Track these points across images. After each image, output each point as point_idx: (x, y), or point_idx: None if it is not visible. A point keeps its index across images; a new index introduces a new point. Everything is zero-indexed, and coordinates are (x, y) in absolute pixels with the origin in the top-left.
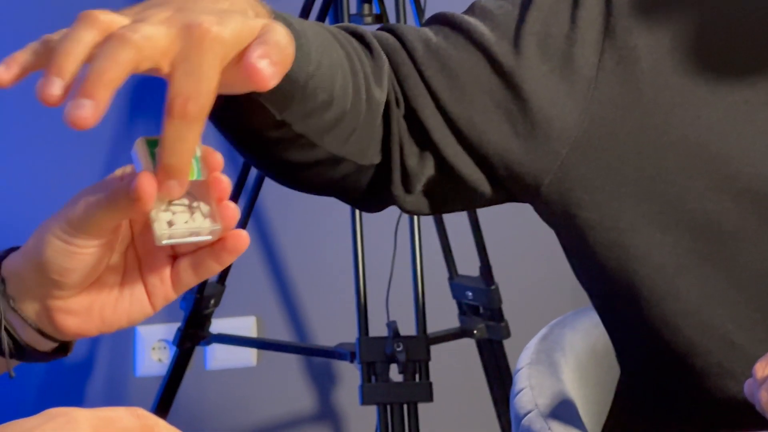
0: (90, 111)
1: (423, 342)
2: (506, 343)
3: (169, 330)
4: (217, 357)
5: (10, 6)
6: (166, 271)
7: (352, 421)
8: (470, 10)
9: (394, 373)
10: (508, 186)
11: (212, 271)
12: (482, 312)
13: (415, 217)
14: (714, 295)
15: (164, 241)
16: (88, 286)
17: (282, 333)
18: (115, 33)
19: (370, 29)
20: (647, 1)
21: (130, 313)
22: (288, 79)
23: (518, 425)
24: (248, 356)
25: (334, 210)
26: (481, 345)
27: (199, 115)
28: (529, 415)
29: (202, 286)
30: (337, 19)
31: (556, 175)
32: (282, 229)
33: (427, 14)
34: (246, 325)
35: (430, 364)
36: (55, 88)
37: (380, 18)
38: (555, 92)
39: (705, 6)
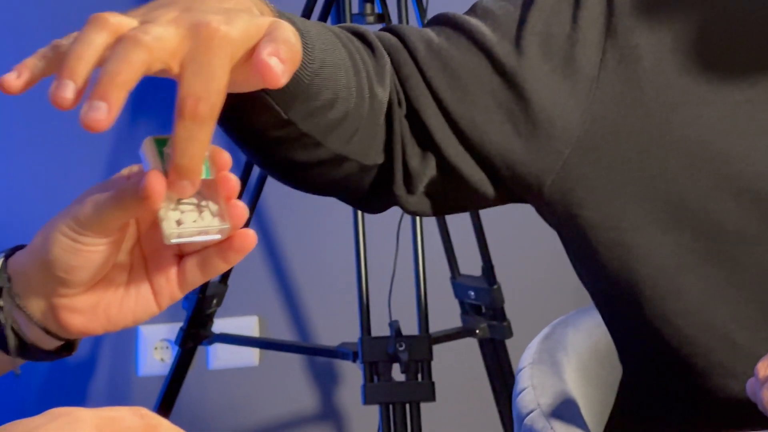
0: (104, 113)
1: (425, 341)
2: (508, 342)
3: (171, 330)
4: (220, 357)
5: (10, 6)
6: (173, 270)
7: (355, 421)
8: (472, 11)
9: (397, 373)
10: (511, 186)
11: (219, 270)
12: (484, 311)
13: (417, 217)
14: (716, 295)
15: (173, 240)
16: (94, 285)
17: (284, 333)
18: (126, 35)
19: (372, 29)
20: (649, 0)
21: (136, 311)
22: (293, 78)
23: (520, 425)
24: (250, 356)
25: (337, 209)
26: (483, 344)
27: (210, 115)
28: (531, 414)
29: (205, 285)
30: (339, 18)
31: (559, 175)
32: (284, 229)
33: (430, 14)
34: (248, 325)
35: (433, 363)
36: (68, 91)
37: (382, 17)
38: (557, 92)
39: (707, 5)
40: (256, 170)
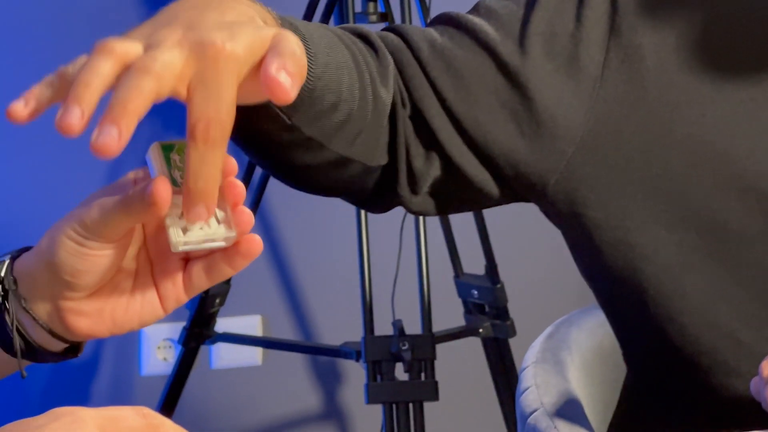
0: (115, 139)
1: (428, 340)
2: (512, 341)
3: (174, 329)
4: (223, 356)
5: (9, 6)
6: (179, 274)
7: (358, 420)
8: (475, 10)
9: (400, 372)
10: (515, 186)
11: (225, 274)
12: (488, 310)
13: (421, 216)
14: (720, 293)
15: (180, 248)
16: (100, 288)
17: (287, 332)
18: (135, 65)
19: (374, 28)
20: None
21: (142, 315)
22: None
23: (524, 424)
24: (253, 355)
25: (340, 209)
26: (486, 343)
27: (222, 138)
28: (534, 413)
29: None
30: (342, 17)
31: (563, 174)
32: (287, 228)
33: (432, 12)
34: (251, 324)
35: (436, 362)
36: (75, 117)
37: (385, 16)
38: (560, 91)
39: (710, 4)
40: (259, 169)
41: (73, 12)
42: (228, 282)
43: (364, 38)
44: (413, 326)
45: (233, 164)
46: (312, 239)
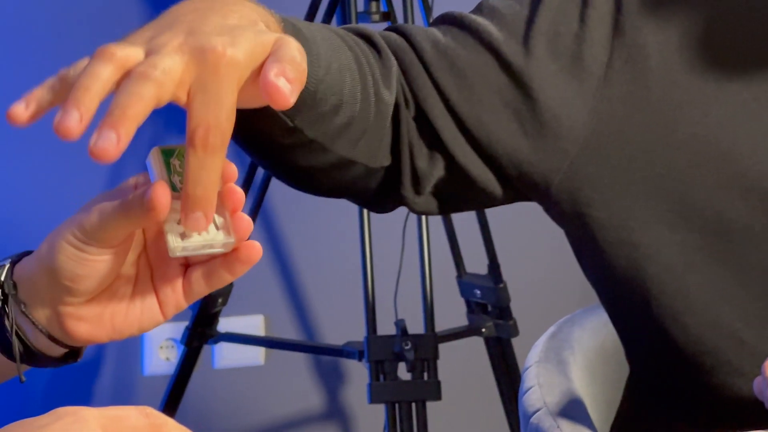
0: (114, 143)
1: (431, 340)
2: (514, 341)
3: (176, 329)
4: (225, 356)
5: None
6: (178, 280)
7: (361, 420)
8: (478, 10)
9: (403, 372)
10: (518, 186)
11: (224, 280)
12: (490, 310)
13: (423, 216)
14: (723, 293)
15: (178, 253)
16: (99, 293)
17: (290, 331)
18: (136, 70)
19: (377, 27)
20: None
21: (141, 320)
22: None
23: (527, 423)
24: (256, 355)
25: (342, 208)
26: (489, 343)
27: (221, 145)
28: (537, 413)
29: None
30: (344, 16)
31: (566, 174)
32: (290, 228)
33: (435, 11)
34: (254, 324)
35: (439, 362)
36: (74, 121)
37: (388, 16)
38: (564, 91)
39: (713, 3)
40: (261, 169)
41: (73, 12)
42: (231, 282)
43: (367, 39)
44: (416, 326)
45: (233, 170)
46: (315, 239)
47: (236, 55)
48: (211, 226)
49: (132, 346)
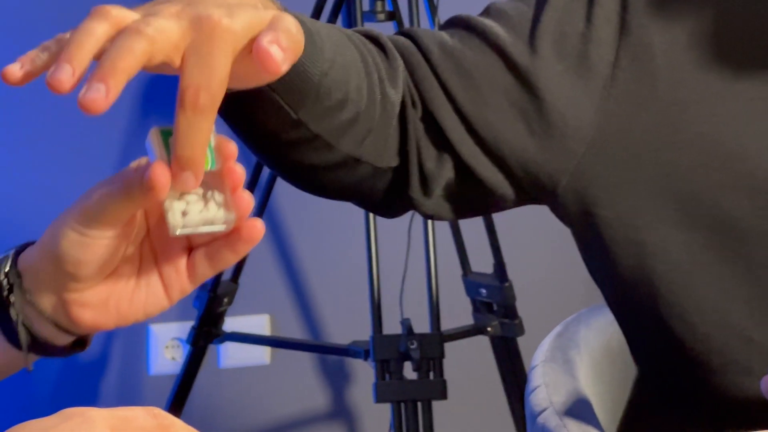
0: (103, 95)
1: (437, 339)
2: (520, 340)
3: (182, 328)
4: (231, 355)
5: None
6: (182, 263)
7: (366, 419)
8: (486, 12)
9: (408, 371)
10: (525, 187)
11: (228, 261)
12: (496, 309)
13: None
14: (731, 292)
15: (178, 231)
16: (104, 279)
17: (295, 331)
18: (129, 26)
19: (382, 27)
20: None
21: (147, 305)
22: (302, 77)
23: (533, 423)
24: (261, 354)
25: (348, 208)
26: (494, 342)
27: (211, 106)
28: (544, 412)
29: (216, 284)
30: (349, 16)
31: (573, 174)
32: (295, 227)
33: (440, 11)
34: (259, 323)
35: (444, 361)
36: (65, 74)
37: (393, 15)
38: (571, 91)
39: (720, 2)
40: (266, 169)
41: (76, 13)
42: (236, 281)
43: (374, 39)
44: (422, 325)
45: (233, 148)
46: (320, 238)
47: (232, 24)
48: (212, 204)
49: (138, 346)
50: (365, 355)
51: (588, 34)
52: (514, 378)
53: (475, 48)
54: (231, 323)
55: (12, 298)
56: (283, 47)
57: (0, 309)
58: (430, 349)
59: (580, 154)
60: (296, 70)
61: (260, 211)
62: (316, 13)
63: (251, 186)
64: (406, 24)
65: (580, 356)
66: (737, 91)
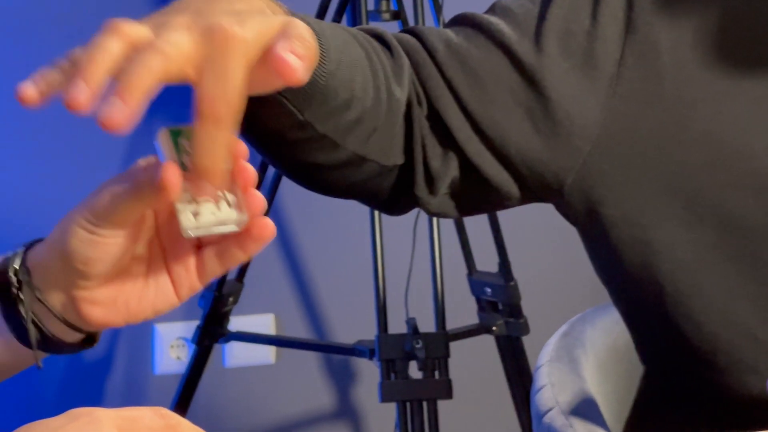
0: (122, 112)
1: (442, 339)
2: (525, 339)
3: (187, 328)
4: (236, 355)
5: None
6: (191, 261)
7: (372, 419)
8: (491, 10)
9: (414, 370)
10: (531, 185)
11: (238, 259)
12: (501, 308)
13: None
14: (737, 291)
15: (190, 233)
16: (113, 277)
17: (300, 330)
18: (144, 43)
19: (387, 26)
20: None
21: (156, 303)
22: (309, 79)
23: (539, 422)
24: (267, 354)
25: (353, 207)
26: (500, 341)
27: (229, 116)
28: (550, 412)
29: (221, 283)
30: (354, 15)
31: (579, 173)
32: (300, 227)
33: (445, 10)
34: (264, 323)
35: (450, 360)
36: (82, 93)
37: (398, 15)
38: (576, 89)
39: (726, 0)
40: (272, 168)
41: (79, 13)
42: (241, 281)
43: (379, 38)
44: (427, 324)
45: (244, 147)
46: (325, 238)
47: (244, 33)
48: (224, 204)
49: (143, 345)
50: (370, 355)
51: (594, 32)
52: (520, 377)
53: (480, 46)
54: (236, 323)
55: (21, 295)
56: (300, 55)
57: (9, 306)
58: (435, 349)
59: (586, 153)
60: None
61: (266, 210)
62: (321, 13)
63: (256, 185)
64: (411, 23)
65: (586, 356)
66: (743, 90)
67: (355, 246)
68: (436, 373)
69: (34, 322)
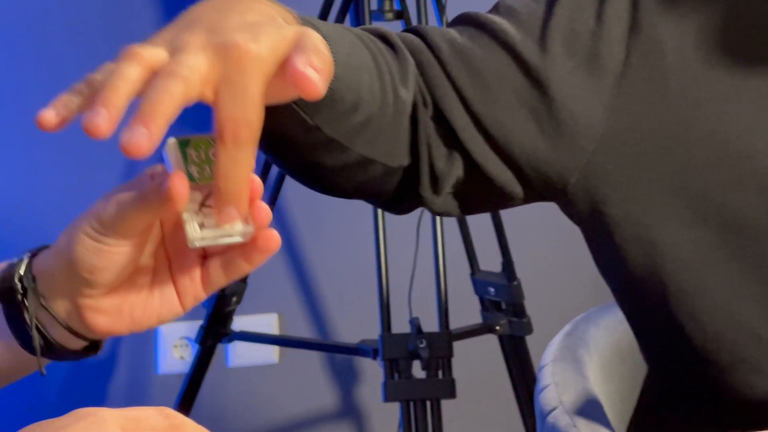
0: (146, 138)
1: (445, 338)
2: (528, 338)
3: (191, 328)
4: (239, 354)
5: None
6: (197, 271)
7: (375, 418)
8: (495, 9)
9: (417, 370)
10: (535, 185)
11: (243, 270)
12: (504, 308)
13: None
14: (741, 290)
15: (197, 244)
16: (118, 285)
17: (304, 330)
18: (164, 69)
19: (390, 26)
20: None
21: (160, 312)
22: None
23: (543, 422)
24: (270, 353)
25: (356, 207)
26: (503, 341)
27: (251, 138)
28: (554, 412)
29: None
30: (357, 15)
31: (583, 172)
32: (304, 226)
33: (448, 9)
34: (268, 323)
35: (453, 360)
36: (103, 120)
37: (401, 14)
38: (581, 89)
39: (730, 0)
40: (275, 168)
41: (85, 15)
42: (245, 280)
43: (384, 39)
44: (430, 324)
45: None
46: (329, 237)
47: (259, 49)
48: None
49: (146, 345)
50: (374, 354)
51: (598, 32)
52: (523, 377)
53: (484, 46)
54: (239, 322)
55: (26, 302)
56: (318, 69)
57: (14, 312)
58: (438, 348)
59: (590, 152)
60: None
61: (271, 220)
62: (325, 12)
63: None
64: (414, 23)
65: (590, 355)
66: (747, 89)
67: (358, 246)
68: (440, 373)
69: (38, 328)
